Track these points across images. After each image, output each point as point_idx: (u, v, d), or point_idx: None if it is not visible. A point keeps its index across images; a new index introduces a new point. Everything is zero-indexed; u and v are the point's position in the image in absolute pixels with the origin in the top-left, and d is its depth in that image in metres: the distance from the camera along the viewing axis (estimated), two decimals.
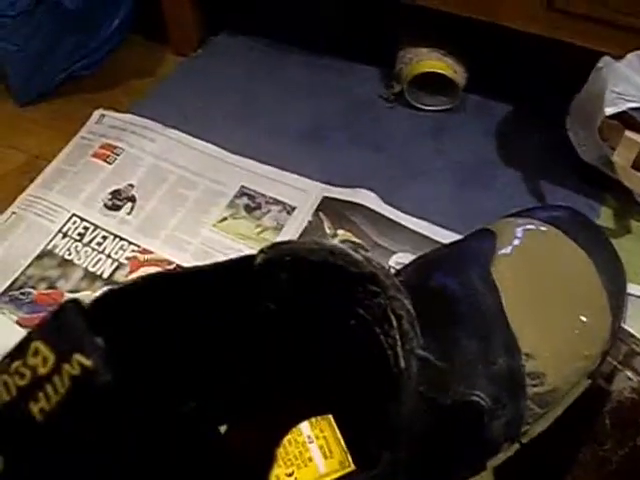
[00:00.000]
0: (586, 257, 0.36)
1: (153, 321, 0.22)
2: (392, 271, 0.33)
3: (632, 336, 0.42)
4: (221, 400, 0.26)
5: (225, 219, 0.70)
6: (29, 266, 0.67)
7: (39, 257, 0.67)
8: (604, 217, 0.72)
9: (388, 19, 0.81)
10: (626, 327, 0.42)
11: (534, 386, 0.33)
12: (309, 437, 0.33)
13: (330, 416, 0.31)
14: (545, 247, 0.35)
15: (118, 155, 0.75)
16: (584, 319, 0.35)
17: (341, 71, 0.83)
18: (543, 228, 0.36)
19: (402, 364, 0.21)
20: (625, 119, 0.62)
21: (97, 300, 0.22)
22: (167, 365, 0.22)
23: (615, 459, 0.47)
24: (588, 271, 0.35)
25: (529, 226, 0.36)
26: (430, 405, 0.27)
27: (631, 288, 0.66)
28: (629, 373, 0.43)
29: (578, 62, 0.67)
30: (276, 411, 0.28)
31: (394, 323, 0.21)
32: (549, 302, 0.34)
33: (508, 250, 0.35)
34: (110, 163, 0.75)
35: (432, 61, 0.74)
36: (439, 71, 0.74)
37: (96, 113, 0.79)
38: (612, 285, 0.36)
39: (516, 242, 0.35)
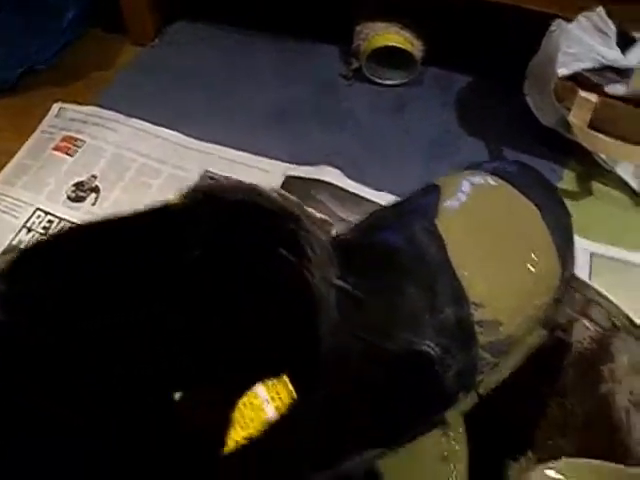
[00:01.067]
0: (533, 208, 0.36)
1: (74, 275, 0.22)
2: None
3: (587, 285, 0.42)
4: (165, 363, 0.26)
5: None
6: None
7: (4, 253, 0.66)
8: (567, 180, 0.72)
9: None
10: (579, 276, 0.42)
11: (485, 334, 0.33)
12: (265, 399, 0.33)
13: (285, 377, 0.31)
14: (492, 199, 0.36)
15: (79, 147, 0.75)
16: (532, 268, 0.35)
17: (301, 52, 0.83)
18: (490, 180, 0.36)
19: (318, 293, 0.21)
20: (579, 80, 0.63)
21: (20, 253, 0.22)
22: (96, 322, 0.22)
23: (581, 411, 0.47)
24: (536, 223, 0.36)
25: (476, 179, 0.36)
26: (374, 351, 0.27)
27: (594, 247, 0.67)
28: (587, 323, 0.44)
29: (534, 27, 0.68)
30: (229, 374, 0.28)
31: (310, 255, 0.21)
32: (497, 252, 0.35)
33: (453, 202, 0.35)
34: (72, 155, 0.74)
35: (389, 35, 0.75)
36: (396, 45, 0.74)
37: (55, 106, 0.78)
38: (560, 236, 0.36)
39: (462, 194, 0.35)
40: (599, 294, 0.43)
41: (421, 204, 0.35)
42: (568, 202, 0.69)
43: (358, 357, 0.26)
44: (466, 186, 0.36)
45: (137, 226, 0.23)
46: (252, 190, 0.23)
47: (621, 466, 0.38)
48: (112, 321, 0.22)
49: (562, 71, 0.62)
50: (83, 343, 0.22)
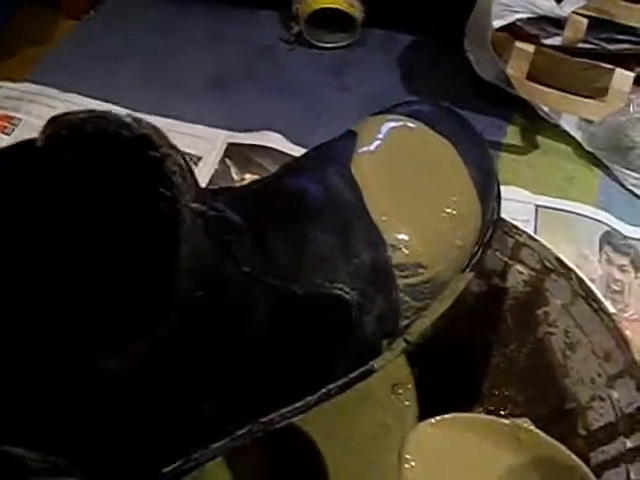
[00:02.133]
0: (452, 148, 0.36)
1: None
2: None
3: (515, 227, 0.42)
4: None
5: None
6: None
7: None
8: (511, 135, 0.72)
9: None
10: (508, 220, 0.42)
11: (405, 277, 0.33)
12: None
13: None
14: (408, 140, 0.35)
15: (16, 125, 0.73)
16: (451, 210, 0.34)
17: (239, 18, 0.82)
18: (406, 122, 0.35)
19: (176, 219, 0.20)
20: (515, 30, 0.63)
21: None
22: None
23: (521, 358, 0.48)
24: (453, 161, 0.35)
25: (391, 122, 0.36)
26: (280, 294, 0.26)
27: (539, 200, 0.67)
28: (519, 267, 0.43)
29: None
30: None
31: (170, 181, 0.20)
32: (414, 194, 0.34)
33: (369, 147, 0.34)
34: (8, 134, 0.72)
35: None
36: (334, 6, 0.73)
37: None
38: (479, 173, 0.35)
39: (377, 138, 0.35)
40: (529, 237, 0.43)
41: (336, 149, 0.34)
42: (514, 157, 0.71)
43: (261, 301, 0.25)
44: (383, 130, 0.35)
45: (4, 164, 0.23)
46: (108, 119, 0.22)
47: (496, 418, 0.38)
48: None
49: (497, 22, 0.61)
50: None
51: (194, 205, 0.20)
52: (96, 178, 0.22)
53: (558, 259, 0.41)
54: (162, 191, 0.20)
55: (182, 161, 0.21)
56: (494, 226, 0.38)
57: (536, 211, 0.66)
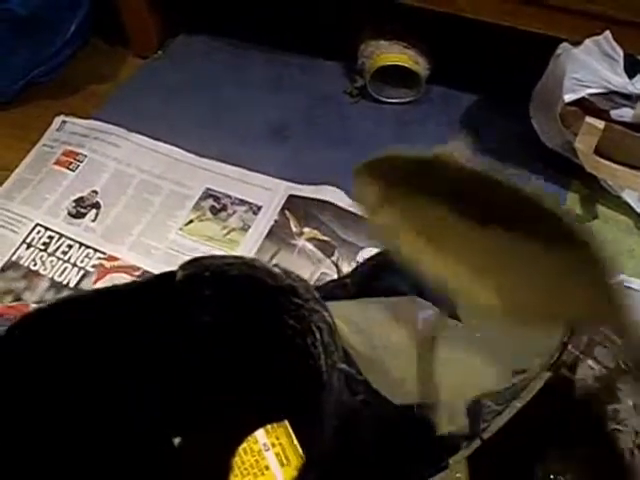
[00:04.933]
0: None
1: (75, 345, 0.22)
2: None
3: None
4: (170, 413, 0.26)
5: (191, 222, 0.69)
6: None
7: (3, 269, 0.66)
8: (570, 203, 0.72)
9: (350, 13, 0.81)
10: None
11: None
12: (265, 445, 0.33)
13: (286, 422, 0.30)
14: None
15: (81, 162, 0.74)
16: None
17: (304, 68, 0.83)
18: None
19: (325, 377, 0.20)
20: (585, 105, 0.62)
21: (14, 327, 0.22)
22: (105, 385, 0.22)
23: (583, 450, 0.47)
24: None
25: None
26: (381, 409, 0.26)
27: None
28: (591, 362, 0.43)
29: (540, 50, 0.67)
30: (228, 421, 0.28)
31: (317, 335, 0.21)
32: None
33: None
34: (73, 170, 0.74)
35: (393, 54, 0.74)
36: (400, 63, 0.74)
37: (57, 120, 0.78)
38: None
39: None
40: (606, 336, 0.42)
41: None
42: None
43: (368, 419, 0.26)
44: None
45: (133, 297, 0.23)
46: (254, 267, 0.22)
47: None
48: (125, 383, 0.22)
49: (568, 96, 0.61)
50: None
51: (342, 366, 0.21)
52: (235, 319, 0.22)
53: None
54: (308, 343, 0.20)
55: (330, 319, 0.22)
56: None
57: None
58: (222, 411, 0.27)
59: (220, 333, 0.22)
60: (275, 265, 0.23)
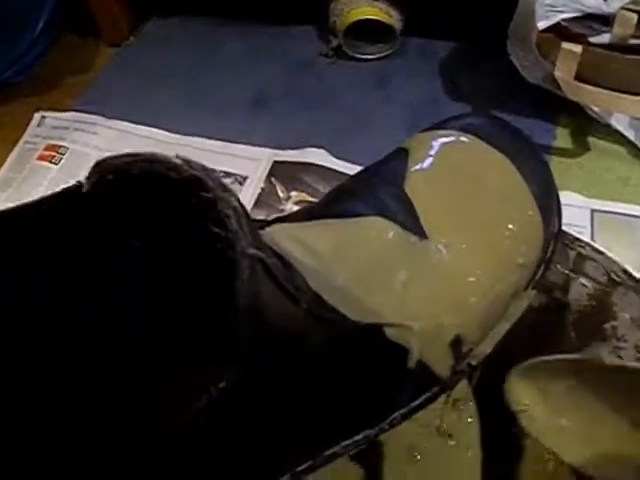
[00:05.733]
0: (508, 162, 0.34)
1: None
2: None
3: (578, 239, 0.40)
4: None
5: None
6: None
7: None
8: (561, 138, 0.70)
9: None
10: (569, 231, 0.40)
11: None
12: None
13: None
14: (462, 156, 0.34)
15: (63, 154, 0.74)
16: (513, 227, 0.33)
17: (278, 35, 0.82)
18: (459, 137, 0.34)
19: (234, 265, 0.19)
20: (560, 31, 0.61)
21: None
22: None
23: None
24: (511, 175, 0.34)
25: (443, 137, 0.34)
26: (332, 326, 0.25)
27: (594, 203, 0.65)
28: (583, 280, 0.42)
29: None
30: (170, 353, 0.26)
31: (227, 226, 0.20)
32: (473, 212, 0.33)
33: (422, 165, 0.33)
34: (56, 164, 0.73)
35: (363, 8, 0.73)
36: (372, 17, 0.72)
37: (36, 116, 0.77)
38: (539, 187, 0.34)
39: (430, 155, 0.34)
40: (593, 249, 0.41)
41: (388, 169, 0.33)
42: (565, 160, 0.69)
43: (317, 334, 0.24)
44: (435, 146, 0.34)
45: (52, 211, 0.22)
46: (155, 161, 0.21)
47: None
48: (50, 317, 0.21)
49: (542, 23, 0.60)
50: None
51: (252, 251, 0.20)
52: (145, 221, 0.21)
53: (626, 272, 0.40)
54: (217, 233, 0.19)
55: (237, 204, 0.21)
56: (556, 240, 0.36)
57: (592, 215, 0.64)
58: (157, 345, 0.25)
59: (135, 247, 0.21)
60: (176, 156, 0.22)
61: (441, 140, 0.34)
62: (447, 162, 0.33)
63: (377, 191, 0.31)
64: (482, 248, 0.32)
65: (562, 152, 0.69)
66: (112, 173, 0.22)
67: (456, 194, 0.33)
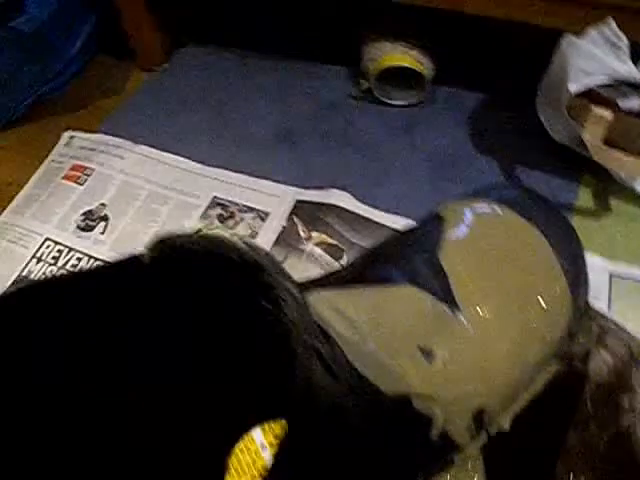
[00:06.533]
0: (541, 237, 0.35)
1: (37, 333, 0.21)
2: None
3: (602, 315, 0.41)
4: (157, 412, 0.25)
5: (199, 231, 0.69)
6: None
7: (14, 284, 0.66)
8: (583, 198, 0.71)
9: (351, 16, 0.80)
10: (596, 306, 0.40)
11: None
12: (262, 444, 0.32)
13: (284, 421, 0.29)
14: (496, 228, 0.34)
15: (89, 175, 0.75)
16: (542, 302, 0.33)
17: (308, 73, 0.83)
18: (493, 208, 0.35)
19: (293, 353, 0.20)
20: (591, 95, 0.61)
21: None
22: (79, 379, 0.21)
23: (601, 444, 0.45)
24: (543, 251, 0.34)
25: (478, 207, 0.35)
26: (370, 407, 0.26)
27: (613, 267, 0.65)
28: (604, 353, 0.42)
29: (544, 42, 0.66)
30: (218, 417, 0.27)
31: (285, 311, 0.20)
32: (504, 286, 0.33)
33: (456, 233, 0.34)
34: (81, 184, 0.74)
35: (396, 55, 0.73)
36: (404, 65, 0.73)
37: (65, 135, 0.78)
38: (569, 264, 0.34)
39: (464, 225, 0.34)
40: (616, 324, 0.41)
41: (423, 235, 0.34)
42: (585, 220, 0.69)
43: (356, 409, 0.25)
44: (469, 216, 0.34)
45: (109, 282, 0.22)
46: (220, 242, 0.22)
47: None
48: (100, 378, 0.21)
49: (574, 87, 0.60)
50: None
51: (310, 342, 0.20)
52: (203, 299, 0.22)
53: None
54: (274, 318, 0.20)
55: (297, 293, 0.21)
56: (582, 315, 0.37)
57: (610, 279, 0.64)
58: (207, 408, 0.26)
59: (191, 320, 0.22)
60: (241, 239, 0.22)
61: (476, 210, 0.35)
62: (481, 233, 0.34)
63: (411, 258, 0.32)
64: (511, 322, 0.32)
65: (583, 212, 0.70)
66: (175, 250, 0.22)
67: (488, 266, 0.33)
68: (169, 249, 0.23)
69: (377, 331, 0.27)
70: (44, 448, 0.23)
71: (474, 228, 0.34)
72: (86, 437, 0.24)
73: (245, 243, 0.22)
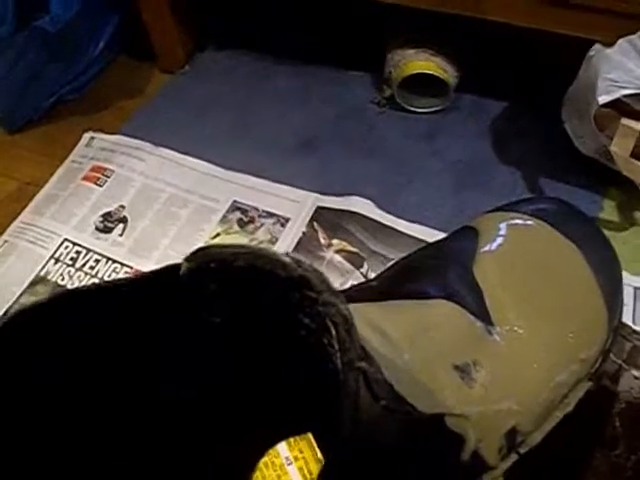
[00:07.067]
0: (577, 251, 0.34)
1: (72, 342, 0.20)
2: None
3: (635, 332, 0.40)
4: (180, 427, 0.24)
5: (218, 235, 0.69)
6: (22, 294, 0.66)
7: (32, 284, 0.66)
8: (607, 210, 0.70)
9: (374, 23, 0.80)
10: (628, 323, 0.39)
11: None
12: (287, 458, 0.31)
13: (310, 435, 0.29)
14: (532, 242, 0.33)
15: (108, 177, 0.74)
16: (579, 320, 0.32)
17: (331, 79, 0.82)
18: (529, 222, 0.34)
19: (341, 377, 0.19)
20: (620, 107, 0.60)
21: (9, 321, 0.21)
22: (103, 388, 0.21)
23: (629, 465, 0.45)
24: (580, 267, 0.33)
25: (514, 220, 0.34)
26: (405, 423, 0.25)
27: (637, 282, 0.64)
28: (635, 372, 0.41)
29: (571, 53, 0.65)
30: (246, 433, 0.26)
31: (332, 331, 0.19)
32: (540, 302, 0.32)
33: (491, 247, 0.33)
34: (101, 185, 0.74)
35: (420, 62, 0.73)
36: (427, 72, 0.73)
37: (86, 136, 0.78)
38: (606, 280, 0.34)
39: (500, 238, 0.33)
40: None
41: (456, 248, 0.33)
42: (610, 233, 0.68)
43: (391, 427, 0.24)
44: (505, 230, 0.34)
45: (145, 291, 0.22)
46: (263, 255, 0.21)
47: None
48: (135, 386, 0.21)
49: (603, 98, 0.59)
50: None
51: (359, 364, 0.19)
52: (242, 313, 0.21)
53: None
54: (322, 341, 0.19)
55: (346, 311, 0.20)
56: (616, 333, 0.36)
57: (635, 294, 0.63)
58: (237, 423, 0.25)
59: (229, 335, 0.21)
60: (286, 254, 0.22)
61: (511, 224, 0.34)
62: (517, 248, 0.33)
63: (446, 272, 0.31)
64: (546, 340, 0.31)
65: (607, 225, 0.69)
66: (215, 262, 0.22)
67: (524, 281, 0.32)
68: (209, 260, 0.22)
69: (413, 347, 0.27)
70: (73, 457, 0.23)
71: (509, 242, 0.33)
72: (114, 447, 0.23)
73: (291, 258, 0.21)
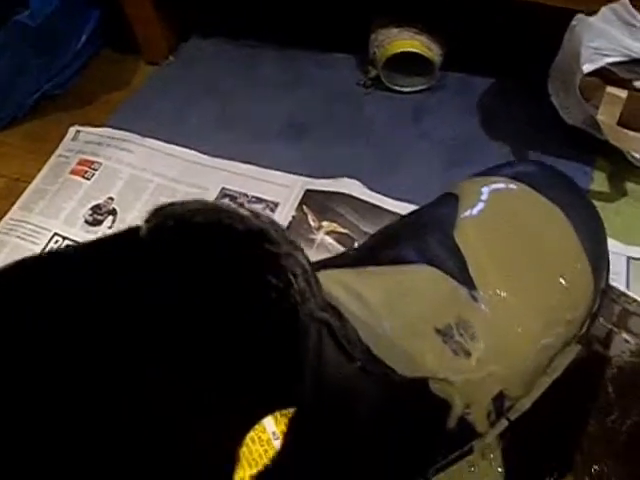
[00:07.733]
0: (560, 213, 0.33)
1: (38, 312, 0.20)
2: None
3: (624, 295, 0.39)
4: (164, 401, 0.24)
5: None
6: None
7: None
8: (598, 181, 0.69)
9: (359, 3, 0.79)
10: (616, 285, 0.39)
11: None
12: (274, 433, 0.31)
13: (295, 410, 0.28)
14: (514, 205, 0.33)
15: (96, 170, 0.74)
16: (563, 282, 0.32)
17: (316, 62, 0.82)
18: (511, 185, 0.33)
19: (300, 327, 0.19)
20: (605, 75, 0.60)
21: None
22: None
23: (624, 429, 0.44)
24: (564, 228, 0.33)
25: (495, 184, 0.34)
26: (381, 381, 0.25)
27: (631, 250, 0.64)
28: (626, 335, 0.41)
29: (557, 26, 0.65)
30: (230, 406, 0.26)
31: (293, 283, 0.19)
32: (523, 265, 0.32)
33: (473, 212, 0.33)
34: (88, 179, 0.73)
35: (404, 41, 0.72)
36: (412, 50, 0.72)
37: (71, 130, 0.78)
38: (591, 242, 0.33)
39: (481, 203, 0.33)
40: (639, 304, 0.40)
41: (437, 214, 0.33)
42: (601, 204, 0.68)
43: (369, 390, 0.24)
44: (486, 194, 0.33)
45: (106, 253, 0.22)
46: (221, 211, 0.21)
47: None
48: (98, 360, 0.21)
49: (587, 67, 0.59)
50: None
51: (321, 315, 0.19)
52: (205, 270, 0.21)
53: None
54: (281, 290, 0.19)
55: (305, 262, 0.20)
56: (603, 295, 0.35)
57: (628, 263, 0.62)
58: (215, 391, 0.25)
59: (195, 294, 0.21)
60: (241, 205, 0.21)
61: (492, 188, 0.34)
62: (498, 211, 0.33)
63: (426, 238, 0.31)
64: (531, 301, 0.31)
65: (598, 196, 0.68)
66: (173, 220, 0.21)
67: (506, 245, 0.32)
68: (167, 219, 0.21)
69: (393, 314, 0.26)
70: (60, 427, 0.23)
71: (490, 206, 0.33)
72: (90, 420, 0.23)
73: (249, 211, 0.21)
